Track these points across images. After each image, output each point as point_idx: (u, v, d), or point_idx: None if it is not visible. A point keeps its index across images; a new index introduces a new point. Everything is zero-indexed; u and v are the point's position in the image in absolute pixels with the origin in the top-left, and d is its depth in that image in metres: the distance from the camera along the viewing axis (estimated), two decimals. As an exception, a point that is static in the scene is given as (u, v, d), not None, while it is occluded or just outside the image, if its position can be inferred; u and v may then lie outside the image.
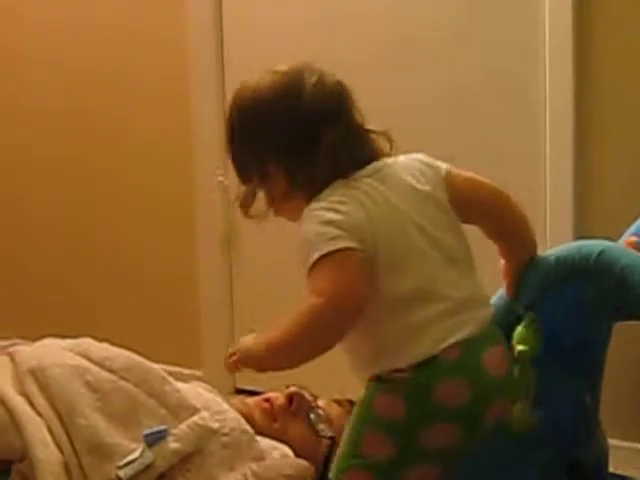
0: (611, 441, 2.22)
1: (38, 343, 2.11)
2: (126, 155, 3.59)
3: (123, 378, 1.85)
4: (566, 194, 2.88)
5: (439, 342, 1.71)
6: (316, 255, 1.66)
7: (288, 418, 2.22)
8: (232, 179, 3.31)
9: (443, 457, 1.76)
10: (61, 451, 1.80)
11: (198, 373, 3.15)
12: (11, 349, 2.07)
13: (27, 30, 3.73)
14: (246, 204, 1.82)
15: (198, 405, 1.83)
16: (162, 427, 1.77)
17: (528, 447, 2.03)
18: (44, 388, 1.88)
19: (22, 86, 3.76)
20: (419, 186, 1.81)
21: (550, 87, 2.89)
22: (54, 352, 1.98)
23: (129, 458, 1.75)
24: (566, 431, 2.13)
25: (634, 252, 1.91)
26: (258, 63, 3.28)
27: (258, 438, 1.96)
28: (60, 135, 3.71)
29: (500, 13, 2.99)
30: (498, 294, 1.99)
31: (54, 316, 3.74)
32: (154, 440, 1.75)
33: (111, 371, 1.87)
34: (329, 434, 2.17)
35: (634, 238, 2.04)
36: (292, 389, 2.26)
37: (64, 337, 2.07)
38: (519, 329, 1.93)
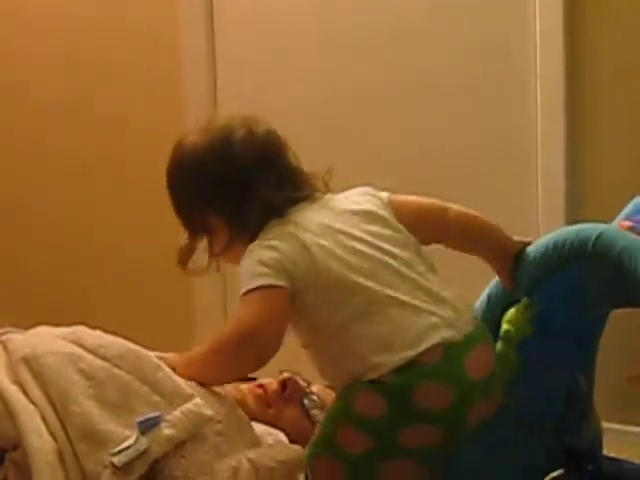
0: (605, 424, 2.24)
1: (31, 331, 2.10)
2: (120, 144, 3.63)
3: (116, 365, 1.85)
4: (558, 182, 2.93)
5: (414, 345, 1.74)
6: (244, 289, 1.78)
7: (282, 404, 2.21)
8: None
9: (421, 455, 1.79)
10: (55, 439, 1.79)
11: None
12: (3, 337, 2.05)
13: (24, 25, 3.76)
14: (184, 260, 1.93)
15: (192, 392, 1.82)
16: (156, 414, 1.76)
17: (532, 433, 2.06)
18: (38, 376, 1.87)
19: (19, 80, 3.80)
20: (357, 207, 1.89)
21: (541, 80, 2.95)
22: (48, 340, 1.97)
23: (123, 445, 1.74)
24: (559, 414, 2.15)
25: (631, 235, 1.92)
26: (249, 51, 3.35)
27: (252, 424, 1.96)
28: (54, 128, 3.73)
29: (491, 7, 3.03)
30: (494, 281, 2.01)
31: (50, 306, 3.74)
32: (148, 427, 1.75)
33: (105, 359, 1.86)
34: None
35: (628, 223, 2.05)
36: (285, 375, 2.26)
37: (59, 325, 2.08)
38: (512, 310, 1.95)
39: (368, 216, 1.87)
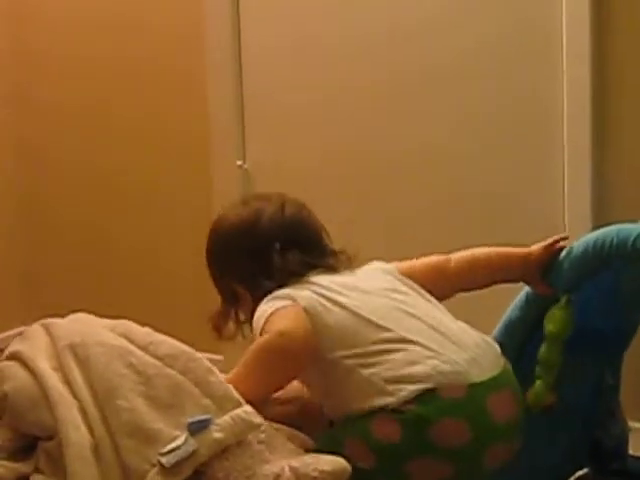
0: (631, 423, 2.26)
1: (72, 317, 2.07)
2: (144, 145, 3.64)
3: (168, 365, 1.84)
4: (584, 186, 2.92)
5: (437, 377, 1.75)
6: (267, 314, 1.85)
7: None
8: (251, 163, 3.38)
9: None
10: (92, 432, 1.78)
11: (219, 357, 3.17)
12: (46, 320, 2.03)
13: (45, 26, 3.76)
14: (218, 326, 2.03)
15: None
16: (207, 416, 1.76)
17: (554, 428, 2.06)
18: (84, 365, 1.85)
19: (42, 82, 3.81)
20: (377, 276, 1.98)
21: (567, 84, 2.93)
22: (96, 330, 1.95)
23: (172, 445, 1.72)
24: (587, 411, 2.17)
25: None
26: (274, 50, 3.35)
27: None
28: (75, 129, 3.75)
29: (516, 15, 3.03)
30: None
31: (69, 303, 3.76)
32: (198, 429, 1.74)
33: (155, 356, 1.85)
34: None
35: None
36: None
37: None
38: (552, 310, 1.95)
39: (387, 284, 1.94)
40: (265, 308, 1.87)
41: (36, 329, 2.02)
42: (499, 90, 3.06)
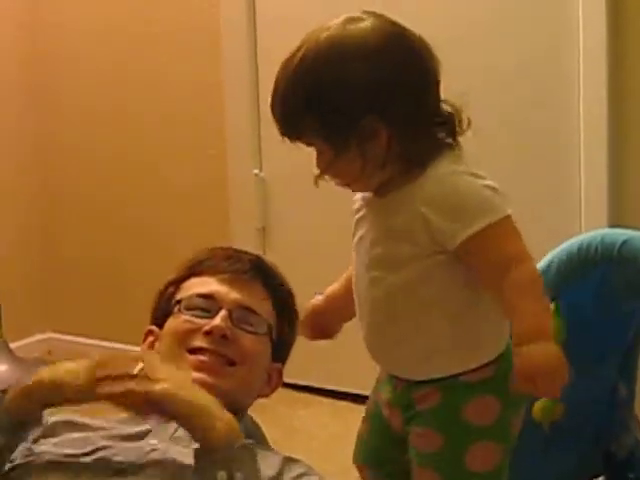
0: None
1: None
2: (161, 148, 3.65)
3: None
4: (601, 183, 2.90)
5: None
6: (500, 215, 1.51)
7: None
8: (267, 172, 3.40)
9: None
10: None
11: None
12: None
13: (63, 30, 3.77)
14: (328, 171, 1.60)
15: None
16: None
17: (567, 437, 2.03)
18: None
19: (65, 85, 3.81)
20: None
21: (584, 89, 2.92)
22: None
23: None
24: (600, 421, 2.15)
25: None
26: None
27: None
28: (95, 130, 3.75)
29: (533, 13, 3.01)
30: None
31: (91, 307, 3.82)
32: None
33: None
34: None
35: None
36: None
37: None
38: None
39: None
40: (488, 195, 1.53)
41: None
42: (517, 95, 3.06)
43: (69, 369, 1.64)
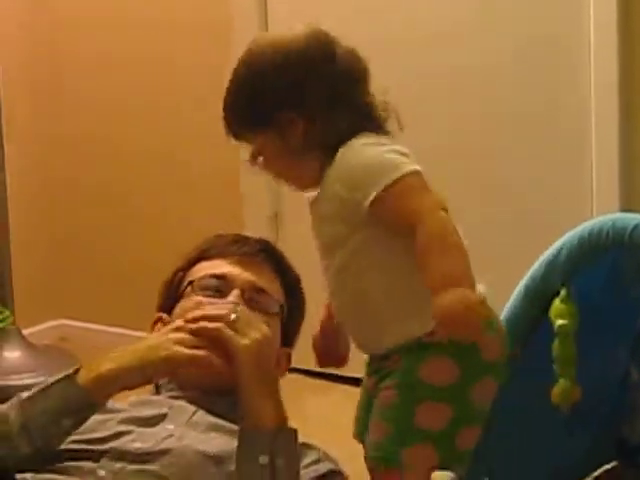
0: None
1: None
2: (173, 136, 3.67)
3: None
4: (612, 168, 2.93)
5: None
6: (403, 171, 1.57)
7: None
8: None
9: (484, 414, 1.70)
10: None
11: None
12: None
13: (78, 25, 3.81)
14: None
15: None
16: None
17: (581, 420, 2.03)
18: None
19: (68, 79, 3.85)
20: None
21: (595, 76, 2.95)
22: None
23: None
24: (613, 404, 2.15)
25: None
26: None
27: None
28: (107, 118, 3.79)
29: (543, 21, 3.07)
30: (532, 271, 1.99)
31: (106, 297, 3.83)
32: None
33: None
34: None
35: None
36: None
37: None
38: (556, 303, 1.93)
39: None
40: (390, 157, 1.60)
41: None
42: (528, 91, 3.11)
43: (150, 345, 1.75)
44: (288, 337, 2.00)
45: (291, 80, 1.67)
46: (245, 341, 1.72)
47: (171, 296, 2.00)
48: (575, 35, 2.99)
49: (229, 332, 1.72)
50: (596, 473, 2.17)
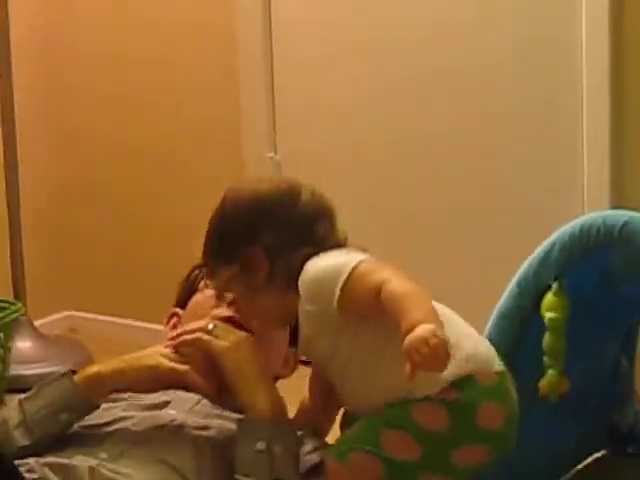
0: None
1: None
2: (178, 136, 3.71)
3: None
4: (603, 166, 2.98)
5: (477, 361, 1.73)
6: (348, 270, 1.70)
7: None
8: (282, 155, 3.46)
9: (465, 473, 1.76)
10: None
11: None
12: None
13: (87, 24, 3.85)
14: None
15: None
16: None
17: (572, 411, 2.07)
18: None
19: (76, 75, 3.89)
20: None
21: (587, 77, 2.99)
22: None
23: None
24: (603, 393, 2.18)
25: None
26: (304, 47, 3.38)
27: None
28: (112, 118, 3.83)
29: (536, 25, 3.11)
30: (525, 266, 2.01)
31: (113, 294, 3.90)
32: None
33: None
34: None
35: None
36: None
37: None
38: (548, 297, 1.95)
39: None
40: (341, 260, 1.72)
41: None
42: (522, 93, 3.15)
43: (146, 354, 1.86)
44: (296, 338, 2.06)
45: (257, 224, 1.79)
46: (224, 343, 1.82)
47: (187, 290, 2.08)
48: (567, 36, 3.02)
49: (208, 337, 1.83)
50: (586, 462, 2.23)
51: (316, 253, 1.76)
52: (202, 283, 2.04)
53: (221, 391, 1.87)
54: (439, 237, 3.32)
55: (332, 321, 1.72)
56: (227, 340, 1.84)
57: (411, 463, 1.70)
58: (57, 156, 3.91)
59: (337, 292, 1.69)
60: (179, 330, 1.90)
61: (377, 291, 1.66)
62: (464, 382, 1.68)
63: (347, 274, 1.69)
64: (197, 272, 2.08)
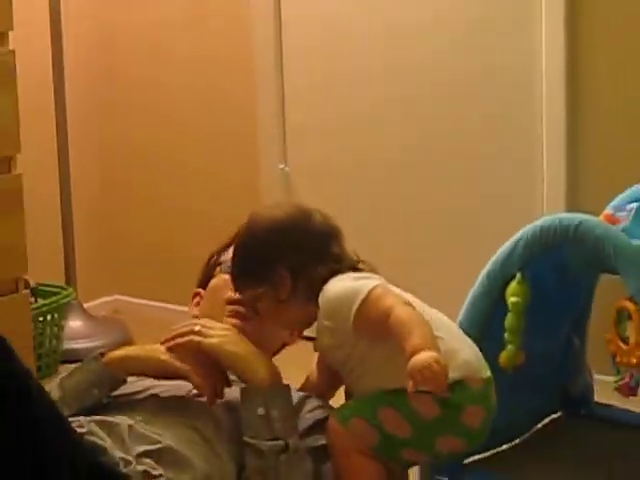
0: (596, 376, 2.34)
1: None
2: (198, 147, 3.68)
3: None
4: (560, 174, 2.96)
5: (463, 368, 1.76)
6: (364, 292, 1.72)
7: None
8: (292, 167, 3.45)
9: (444, 455, 1.81)
10: None
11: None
12: None
13: (106, 26, 3.77)
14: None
15: None
16: None
17: (530, 380, 2.10)
18: None
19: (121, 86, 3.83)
20: None
21: (546, 78, 2.95)
22: None
23: None
24: (559, 367, 2.24)
25: (608, 224, 1.98)
26: (314, 63, 3.35)
27: None
28: (153, 134, 3.80)
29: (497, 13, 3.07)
30: (493, 259, 2.03)
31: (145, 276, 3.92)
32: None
33: None
34: None
35: (610, 212, 2.10)
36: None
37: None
38: (512, 285, 1.99)
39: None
40: (355, 282, 1.76)
41: None
42: (484, 95, 3.09)
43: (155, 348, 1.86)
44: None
45: (281, 247, 1.81)
46: (213, 340, 1.83)
47: (207, 273, 2.11)
48: (527, 49, 2.94)
49: (198, 338, 1.84)
50: (544, 422, 2.26)
51: (334, 270, 1.81)
52: (218, 269, 2.07)
53: (219, 392, 1.85)
54: (439, 237, 3.24)
55: (347, 336, 1.77)
56: (214, 336, 1.84)
57: (401, 439, 1.76)
58: (105, 159, 3.87)
59: (354, 311, 1.74)
60: (172, 333, 1.88)
61: (387, 314, 1.71)
62: (456, 385, 1.72)
63: (363, 296, 1.74)
64: (215, 257, 2.11)
